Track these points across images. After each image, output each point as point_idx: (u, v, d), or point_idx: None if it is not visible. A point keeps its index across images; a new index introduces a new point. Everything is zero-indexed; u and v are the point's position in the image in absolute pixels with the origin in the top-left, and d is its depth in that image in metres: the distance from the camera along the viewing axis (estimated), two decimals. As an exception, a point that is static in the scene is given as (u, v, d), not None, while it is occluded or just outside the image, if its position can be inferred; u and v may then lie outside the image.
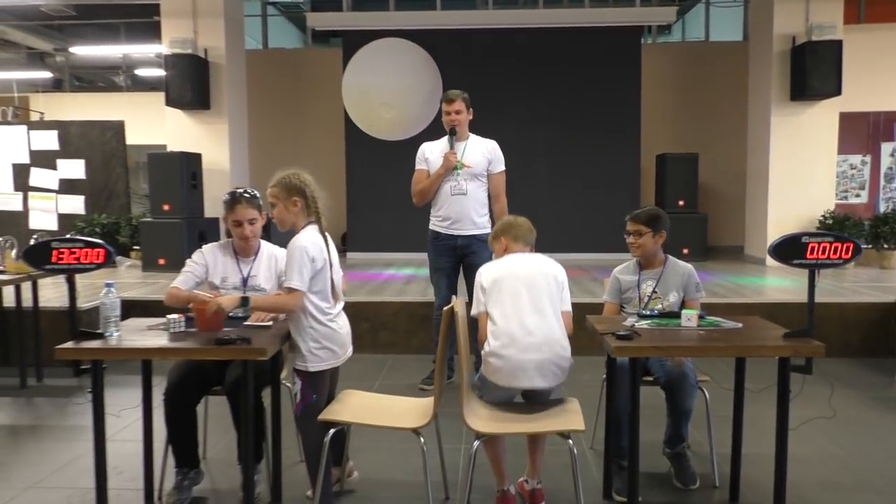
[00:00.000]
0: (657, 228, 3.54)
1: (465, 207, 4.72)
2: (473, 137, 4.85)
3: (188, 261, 3.40)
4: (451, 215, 4.74)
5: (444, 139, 4.83)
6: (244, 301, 2.93)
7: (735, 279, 7.50)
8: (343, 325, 3.15)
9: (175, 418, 3.17)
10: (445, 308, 2.89)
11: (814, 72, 8.23)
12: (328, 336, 3.00)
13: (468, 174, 4.73)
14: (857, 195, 10.26)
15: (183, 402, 3.19)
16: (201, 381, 3.24)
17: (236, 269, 3.41)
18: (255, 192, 3.48)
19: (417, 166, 4.86)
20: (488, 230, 4.60)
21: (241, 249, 3.46)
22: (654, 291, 3.50)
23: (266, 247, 3.55)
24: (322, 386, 3.04)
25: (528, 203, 9.55)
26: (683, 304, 3.45)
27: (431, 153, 4.83)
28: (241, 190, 3.46)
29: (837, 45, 8.25)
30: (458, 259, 4.82)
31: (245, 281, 3.40)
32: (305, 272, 2.85)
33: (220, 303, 2.90)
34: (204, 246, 3.48)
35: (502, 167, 4.85)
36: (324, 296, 2.97)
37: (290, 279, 2.84)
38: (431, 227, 4.89)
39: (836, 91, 8.29)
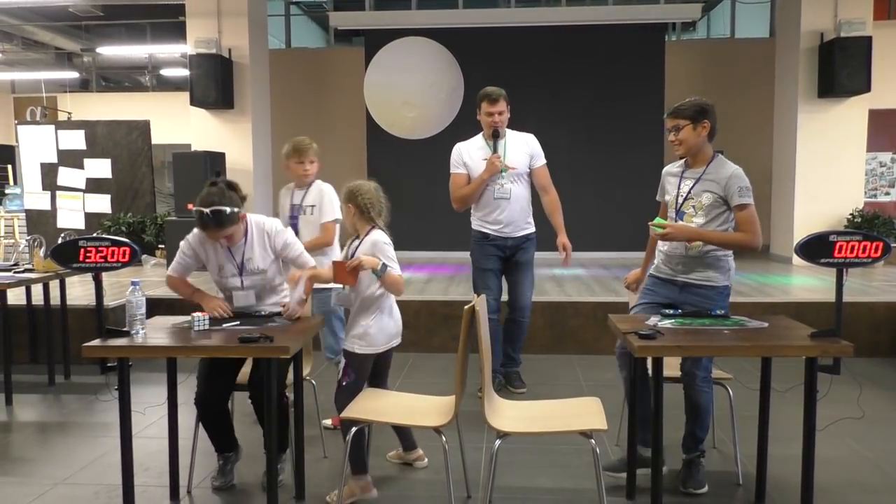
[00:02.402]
0: (697, 119, 3.21)
1: (513, 211, 4.56)
2: (511, 134, 4.59)
3: (179, 250, 3.34)
4: (500, 219, 4.57)
5: (479, 138, 4.62)
6: (384, 267, 3.12)
7: (761, 278, 7.41)
8: (398, 316, 3.40)
9: (209, 420, 3.28)
10: (466, 307, 2.88)
11: (843, 68, 8.10)
12: (385, 324, 3.29)
13: (512, 176, 4.53)
14: (887, 193, 10.09)
15: (214, 407, 3.27)
16: (226, 383, 3.30)
17: (229, 257, 3.32)
18: (222, 209, 3.09)
19: (454, 170, 4.62)
20: (533, 229, 4.70)
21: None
22: (689, 192, 3.23)
23: (253, 225, 3.34)
24: (363, 369, 3.24)
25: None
26: (727, 210, 3.16)
27: (470, 157, 4.57)
28: (208, 213, 3.08)
29: (867, 41, 8.12)
30: (506, 259, 4.70)
31: (241, 267, 3.32)
32: (395, 259, 3.25)
33: (361, 260, 3.06)
34: (189, 236, 3.34)
35: (544, 160, 4.64)
36: None
37: (393, 268, 3.19)
38: (478, 228, 4.70)
39: (866, 88, 8.16)
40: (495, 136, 4.50)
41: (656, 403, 2.79)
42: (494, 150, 4.47)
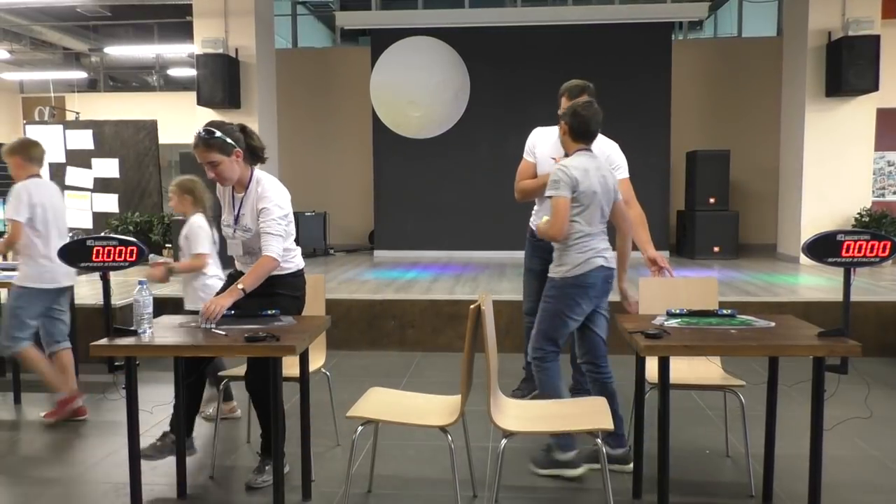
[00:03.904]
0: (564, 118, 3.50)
1: None
2: (597, 139, 3.83)
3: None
4: None
5: (557, 130, 3.93)
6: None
7: (768, 278, 7.38)
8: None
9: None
10: (472, 307, 2.88)
11: (850, 67, 8.08)
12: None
13: None
14: (895, 192, 10.04)
15: (189, 377, 3.38)
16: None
17: (231, 205, 3.41)
18: (215, 130, 3.21)
19: (525, 155, 4.19)
20: None
21: (230, 185, 3.39)
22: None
23: (257, 181, 3.37)
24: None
25: (556, 201, 9.55)
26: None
27: (542, 146, 4.09)
28: (201, 131, 3.22)
29: (875, 39, 8.09)
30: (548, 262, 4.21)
31: (237, 219, 3.37)
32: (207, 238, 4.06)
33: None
34: None
35: (626, 172, 4.11)
36: None
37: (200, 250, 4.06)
38: (531, 223, 4.35)
39: (874, 87, 8.13)
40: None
41: (662, 407, 2.79)
42: (566, 154, 3.91)
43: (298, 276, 3.45)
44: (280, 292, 3.33)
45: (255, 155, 3.37)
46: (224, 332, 2.86)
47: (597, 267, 3.38)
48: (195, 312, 3.26)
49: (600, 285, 3.42)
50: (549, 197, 3.33)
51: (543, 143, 4.10)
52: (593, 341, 3.50)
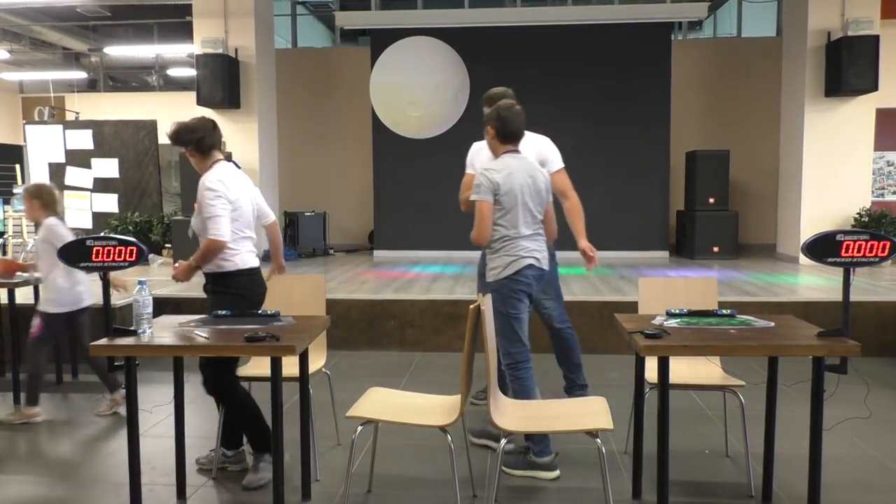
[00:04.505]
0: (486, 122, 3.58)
1: None
2: (527, 138, 3.93)
3: None
4: None
5: None
6: None
7: (767, 278, 7.39)
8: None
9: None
10: (472, 307, 2.88)
11: (850, 67, 8.08)
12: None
13: None
14: (895, 192, 10.04)
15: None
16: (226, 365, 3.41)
17: None
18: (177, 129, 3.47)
19: (467, 169, 4.25)
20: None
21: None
22: None
23: (213, 171, 3.43)
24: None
25: (556, 201, 9.56)
26: None
27: (479, 157, 4.14)
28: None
29: (874, 39, 8.09)
30: None
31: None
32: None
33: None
34: None
35: (559, 164, 4.17)
36: None
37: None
38: None
39: (873, 87, 8.14)
40: None
41: (662, 407, 2.79)
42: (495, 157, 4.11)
43: (237, 275, 3.35)
44: (216, 290, 3.37)
45: (201, 148, 3.45)
46: (206, 336, 2.85)
47: (526, 266, 3.43)
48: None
49: (534, 283, 3.50)
50: (473, 201, 3.42)
51: (479, 155, 4.18)
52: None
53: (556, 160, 4.16)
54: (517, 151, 3.54)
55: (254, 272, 3.42)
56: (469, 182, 4.20)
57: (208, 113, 9.07)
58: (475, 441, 3.75)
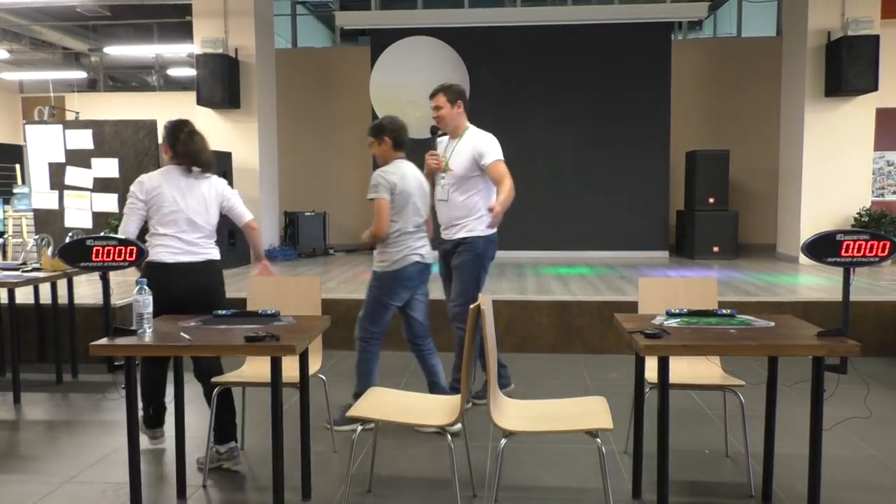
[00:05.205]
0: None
1: (448, 216, 4.27)
2: (469, 133, 4.31)
3: None
4: (441, 221, 4.34)
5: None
6: None
7: (767, 277, 7.39)
8: None
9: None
10: (472, 306, 2.88)
11: (850, 67, 8.09)
12: None
13: (453, 179, 4.22)
14: (894, 192, 10.05)
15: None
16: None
17: None
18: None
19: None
20: (477, 233, 4.19)
21: None
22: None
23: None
24: None
25: (556, 201, 9.60)
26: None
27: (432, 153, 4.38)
28: None
29: (874, 39, 8.10)
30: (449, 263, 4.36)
31: None
32: None
33: None
34: None
35: (493, 157, 4.15)
36: None
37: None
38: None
39: (873, 87, 8.14)
40: (432, 132, 4.40)
41: (662, 406, 2.79)
42: (434, 148, 4.39)
43: (151, 267, 3.55)
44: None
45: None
46: (189, 338, 2.84)
47: (412, 262, 3.95)
48: None
49: (416, 277, 4.00)
50: (371, 199, 3.87)
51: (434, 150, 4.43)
52: (413, 323, 4.11)
53: (491, 153, 4.20)
54: (405, 158, 4.09)
55: (163, 266, 3.55)
56: None
57: (208, 113, 9.08)
58: (337, 429, 3.90)
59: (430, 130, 4.42)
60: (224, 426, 3.50)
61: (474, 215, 4.21)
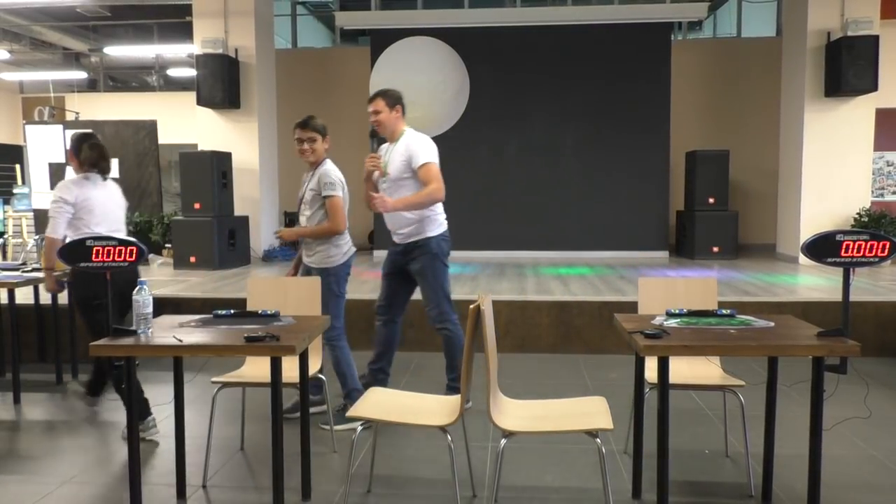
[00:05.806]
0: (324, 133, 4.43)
1: (392, 221, 4.31)
2: (404, 137, 4.35)
3: None
4: (388, 225, 4.39)
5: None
6: None
7: (767, 278, 7.39)
8: None
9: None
10: (472, 306, 2.88)
11: (850, 67, 8.09)
12: None
13: (390, 183, 4.26)
14: (894, 192, 10.05)
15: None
16: None
17: None
18: None
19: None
20: (427, 234, 4.27)
21: None
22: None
23: None
24: None
25: (556, 201, 9.59)
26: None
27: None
28: None
29: (874, 40, 8.10)
30: (403, 266, 4.40)
31: None
32: None
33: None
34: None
35: (423, 160, 4.17)
36: None
37: None
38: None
39: (873, 87, 8.15)
40: (371, 136, 4.41)
41: (662, 407, 2.79)
42: (374, 151, 4.40)
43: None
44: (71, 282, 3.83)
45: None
46: (179, 340, 2.83)
47: (354, 253, 4.26)
48: None
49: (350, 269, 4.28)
50: (326, 198, 4.09)
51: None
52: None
53: (421, 155, 4.22)
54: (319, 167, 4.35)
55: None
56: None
57: (208, 113, 9.08)
58: (288, 417, 3.90)
59: (370, 134, 4.41)
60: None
61: (420, 218, 4.26)
